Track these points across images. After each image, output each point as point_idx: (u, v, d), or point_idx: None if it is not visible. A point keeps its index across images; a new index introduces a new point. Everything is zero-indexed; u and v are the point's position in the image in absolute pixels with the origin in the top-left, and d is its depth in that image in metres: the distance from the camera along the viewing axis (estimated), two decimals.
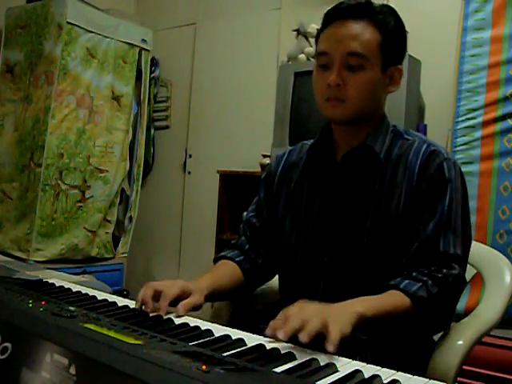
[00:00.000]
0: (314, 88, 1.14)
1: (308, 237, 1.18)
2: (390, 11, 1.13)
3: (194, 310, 1.03)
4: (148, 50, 3.45)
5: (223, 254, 1.29)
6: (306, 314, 0.81)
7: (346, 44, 1.07)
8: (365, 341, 0.97)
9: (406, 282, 1.00)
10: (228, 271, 1.23)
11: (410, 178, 1.09)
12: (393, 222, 1.08)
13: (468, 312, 1.18)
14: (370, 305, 0.92)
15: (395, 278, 1.03)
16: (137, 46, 3.36)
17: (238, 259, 1.26)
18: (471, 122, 2.25)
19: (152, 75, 3.76)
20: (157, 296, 1.00)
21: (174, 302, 1.01)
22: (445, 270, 1.01)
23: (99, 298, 1.05)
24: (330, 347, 0.77)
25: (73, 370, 0.62)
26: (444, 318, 1.06)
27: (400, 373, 0.73)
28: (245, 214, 1.36)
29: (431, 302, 0.99)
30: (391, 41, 1.10)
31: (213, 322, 0.93)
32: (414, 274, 1.01)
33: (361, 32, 1.07)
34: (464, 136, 2.27)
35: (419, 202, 1.07)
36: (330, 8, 1.13)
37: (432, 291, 0.99)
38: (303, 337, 0.77)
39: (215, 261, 1.29)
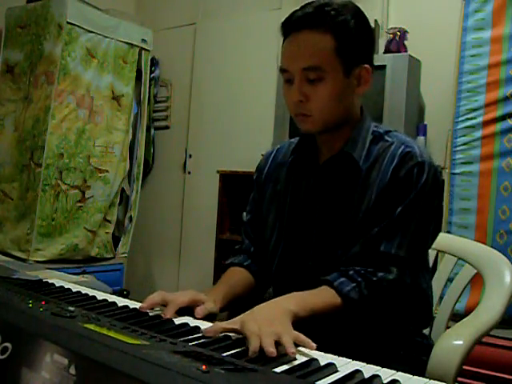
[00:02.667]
0: (286, 104, 1.14)
1: (290, 240, 1.18)
2: (349, 10, 1.08)
3: (209, 319, 1.01)
4: (148, 50, 3.45)
5: (230, 261, 1.28)
6: (268, 331, 0.80)
7: (300, 59, 1.06)
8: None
9: (341, 280, 1.01)
10: (239, 278, 1.22)
11: (382, 180, 1.08)
12: (360, 224, 1.07)
13: (468, 312, 1.18)
14: (302, 304, 0.94)
15: (331, 272, 1.03)
16: (137, 46, 3.36)
17: (246, 263, 1.25)
18: (471, 122, 2.25)
19: (152, 75, 3.75)
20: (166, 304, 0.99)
21: (186, 312, 1.00)
22: (380, 274, 1.01)
23: (99, 298, 1.05)
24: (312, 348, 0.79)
25: (73, 370, 0.62)
26: (381, 319, 1.04)
27: (400, 373, 0.73)
28: (244, 214, 1.36)
29: (360, 304, 1.00)
30: (350, 42, 1.06)
31: (213, 323, 0.93)
32: (350, 272, 1.02)
33: (314, 43, 1.05)
34: (464, 136, 2.27)
35: (383, 205, 1.06)
36: (284, 19, 1.12)
37: (363, 293, 1.00)
38: (293, 349, 0.77)
39: (223, 269, 1.28)
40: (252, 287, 1.23)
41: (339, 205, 1.11)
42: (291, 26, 1.09)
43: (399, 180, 1.06)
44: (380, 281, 1.01)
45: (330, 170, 1.15)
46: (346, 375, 0.70)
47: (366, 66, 1.10)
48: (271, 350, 0.75)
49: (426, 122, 2.63)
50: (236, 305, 1.19)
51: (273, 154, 1.31)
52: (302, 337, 0.82)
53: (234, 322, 0.86)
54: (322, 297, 1.00)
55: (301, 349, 0.80)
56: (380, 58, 2.43)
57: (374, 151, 1.12)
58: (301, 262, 1.15)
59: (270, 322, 0.83)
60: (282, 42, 1.12)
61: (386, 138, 1.14)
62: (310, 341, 0.81)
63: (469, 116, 2.26)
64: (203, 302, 1.03)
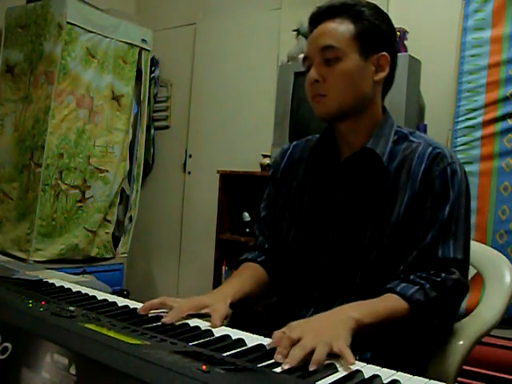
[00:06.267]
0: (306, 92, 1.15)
1: (307, 237, 1.16)
2: (366, 4, 1.13)
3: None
4: (148, 50, 3.45)
5: (244, 256, 1.27)
6: (307, 340, 0.77)
7: (319, 41, 1.10)
8: (364, 341, 0.96)
9: (403, 285, 0.99)
10: (252, 274, 1.21)
11: (413, 182, 1.07)
12: (394, 227, 1.06)
13: (468, 312, 1.18)
14: (365, 310, 0.91)
15: (392, 281, 1.01)
16: (137, 45, 3.36)
17: (259, 259, 1.24)
18: (471, 122, 2.25)
19: (152, 75, 3.76)
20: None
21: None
22: (443, 274, 1.00)
23: (99, 298, 1.05)
24: (351, 363, 0.74)
25: (73, 370, 0.62)
26: (445, 322, 1.04)
27: (400, 373, 0.73)
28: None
29: (429, 306, 0.98)
30: (369, 29, 1.10)
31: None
32: (411, 277, 1.00)
33: (334, 28, 1.10)
34: (464, 136, 2.27)
35: (421, 208, 1.05)
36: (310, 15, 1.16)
37: (430, 295, 0.98)
38: (314, 366, 0.72)
39: (237, 265, 1.27)
40: (266, 283, 1.22)
41: (363, 204, 1.10)
42: (315, 19, 1.13)
43: (432, 182, 1.05)
44: (444, 281, 0.99)
45: (352, 168, 1.14)
46: (346, 375, 0.70)
47: (384, 53, 1.11)
48: (290, 363, 0.72)
49: (426, 122, 2.63)
50: (249, 300, 1.17)
51: (289, 151, 1.30)
52: (348, 353, 0.76)
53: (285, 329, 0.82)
54: (385, 302, 0.97)
55: None
56: None
57: (400, 151, 1.11)
58: (316, 260, 1.14)
59: (319, 332, 0.79)
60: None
61: (411, 138, 1.13)
62: (351, 357, 0.75)
63: (469, 116, 2.26)
64: (206, 304, 1.00)
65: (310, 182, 1.20)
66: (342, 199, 1.13)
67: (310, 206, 1.18)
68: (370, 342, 0.95)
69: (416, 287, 0.98)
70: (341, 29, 1.09)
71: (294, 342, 0.77)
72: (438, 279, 0.99)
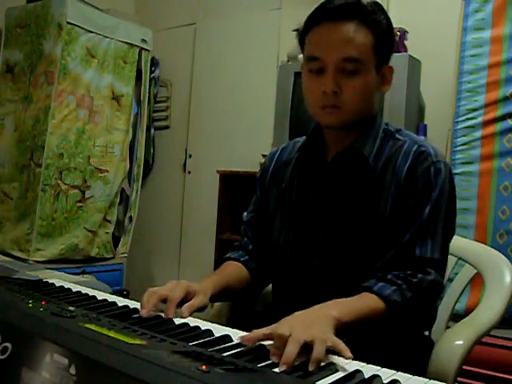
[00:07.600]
0: (306, 95, 1.11)
1: (297, 238, 1.16)
2: (380, 9, 1.10)
3: (199, 311, 1.02)
4: (148, 50, 3.45)
5: (228, 255, 1.28)
6: (298, 333, 0.76)
7: (340, 49, 1.04)
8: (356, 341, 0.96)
9: (381, 284, 0.99)
10: (234, 271, 1.22)
11: (397, 180, 1.07)
12: (380, 225, 1.06)
13: (468, 312, 1.18)
14: (344, 308, 0.91)
15: (369, 279, 1.01)
16: (137, 45, 3.36)
17: (243, 259, 1.25)
18: (471, 122, 2.25)
19: (152, 75, 3.75)
20: (162, 300, 0.99)
21: (179, 303, 1.00)
22: (420, 275, 1.00)
23: (99, 298, 1.05)
24: (348, 357, 0.75)
25: (73, 370, 0.62)
26: (420, 321, 1.05)
27: (400, 373, 0.73)
28: (245, 214, 1.36)
29: (405, 307, 0.98)
30: (384, 41, 1.08)
31: (213, 322, 0.93)
32: (388, 276, 1.00)
33: (354, 35, 1.04)
34: (464, 136, 2.26)
35: (403, 206, 1.05)
36: (315, 8, 1.09)
37: (406, 295, 0.98)
38: (313, 365, 0.72)
39: (220, 263, 1.28)
40: (247, 282, 1.23)
41: (350, 203, 1.10)
42: (327, 15, 1.06)
43: (416, 181, 1.05)
44: (420, 282, 1.00)
45: (339, 167, 1.13)
46: (346, 375, 0.70)
47: (390, 65, 1.12)
48: (287, 360, 0.72)
49: (426, 122, 2.63)
50: (228, 297, 1.20)
51: (277, 154, 1.30)
52: (341, 345, 0.77)
53: (269, 328, 0.82)
54: (364, 302, 0.97)
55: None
56: None
57: (386, 149, 1.11)
58: (307, 261, 1.14)
59: (306, 325, 0.80)
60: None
61: (398, 136, 1.13)
62: (347, 349, 0.77)
63: (469, 116, 2.26)
64: (195, 294, 1.04)
65: (297, 184, 1.19)
66: (331, 199, 1.13)
67: (300, 207, 1.17)
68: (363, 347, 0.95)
69: (393, 287, 0.99)
70: (362, 39, 1.04)
71: (286, 339, 0.76)
72: (415, 280, 1.00)
